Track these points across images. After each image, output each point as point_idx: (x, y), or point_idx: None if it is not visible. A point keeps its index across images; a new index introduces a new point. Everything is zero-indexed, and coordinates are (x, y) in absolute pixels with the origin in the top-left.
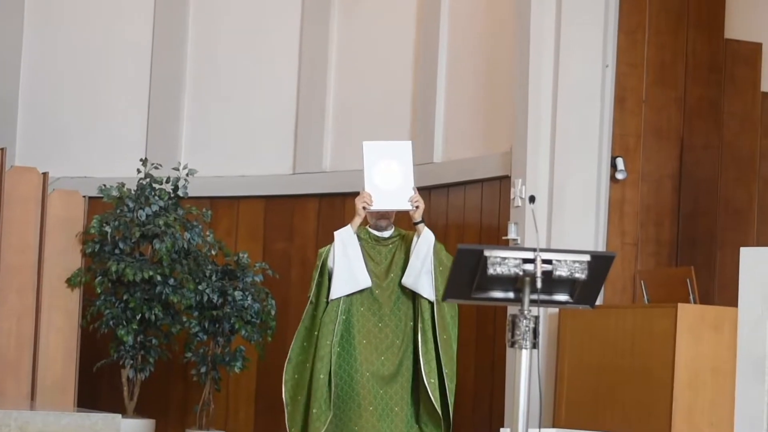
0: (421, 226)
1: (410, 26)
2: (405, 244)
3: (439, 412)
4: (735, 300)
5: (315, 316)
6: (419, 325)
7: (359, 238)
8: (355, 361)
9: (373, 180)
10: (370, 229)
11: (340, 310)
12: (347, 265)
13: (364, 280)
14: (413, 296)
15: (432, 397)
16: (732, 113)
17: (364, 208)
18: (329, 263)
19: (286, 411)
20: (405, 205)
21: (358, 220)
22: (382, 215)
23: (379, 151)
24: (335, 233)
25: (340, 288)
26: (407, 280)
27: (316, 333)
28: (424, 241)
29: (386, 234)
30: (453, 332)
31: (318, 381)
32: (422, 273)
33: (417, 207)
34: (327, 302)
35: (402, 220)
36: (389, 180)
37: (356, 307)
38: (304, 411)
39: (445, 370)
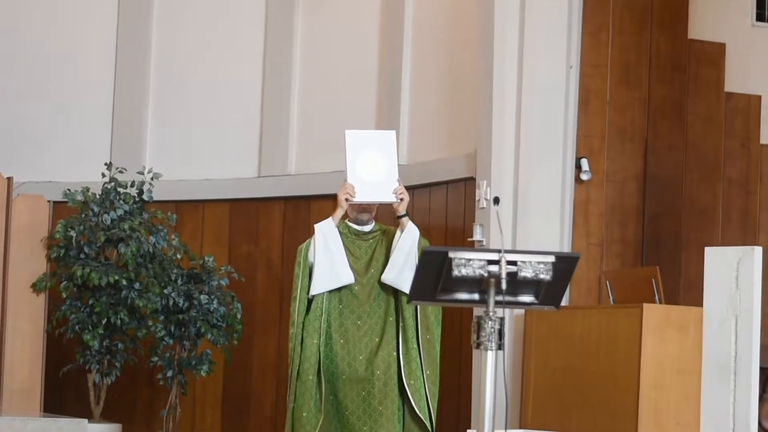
0: (405, 219)
1: (374, 29)
2: (386, 239)
3: (421, 416)
4: (700, 300)
5: (300, 313)
6: (399, 324)
7: (339, 232)
8: (331, 363)
9: (356, 171)
10: (350, 223)
11: (324, 307)
12: (329, 260)
13: (347, 276)
14: (394, 293)
15: (412, 400)
16: (696, 114)
17: (347, 199)
18: (310, 258)
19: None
20: (389, 198)
21: (340, 212)
22: (364, 208)
23: (361, 140)
24: (316, 226)
25: (321, 283)
26: (388, 276)
27: (301, 332)
28: (409, 235)
29: (367, 228)
30: (436, 332)
31: (307, 383)
32: (405, 268)
33: (402, 199)
34: (309, 299)
35: (382, 215)
36: (373, 171)
37: (334, 304)
38: (290, 414)
39: (426, 372)
